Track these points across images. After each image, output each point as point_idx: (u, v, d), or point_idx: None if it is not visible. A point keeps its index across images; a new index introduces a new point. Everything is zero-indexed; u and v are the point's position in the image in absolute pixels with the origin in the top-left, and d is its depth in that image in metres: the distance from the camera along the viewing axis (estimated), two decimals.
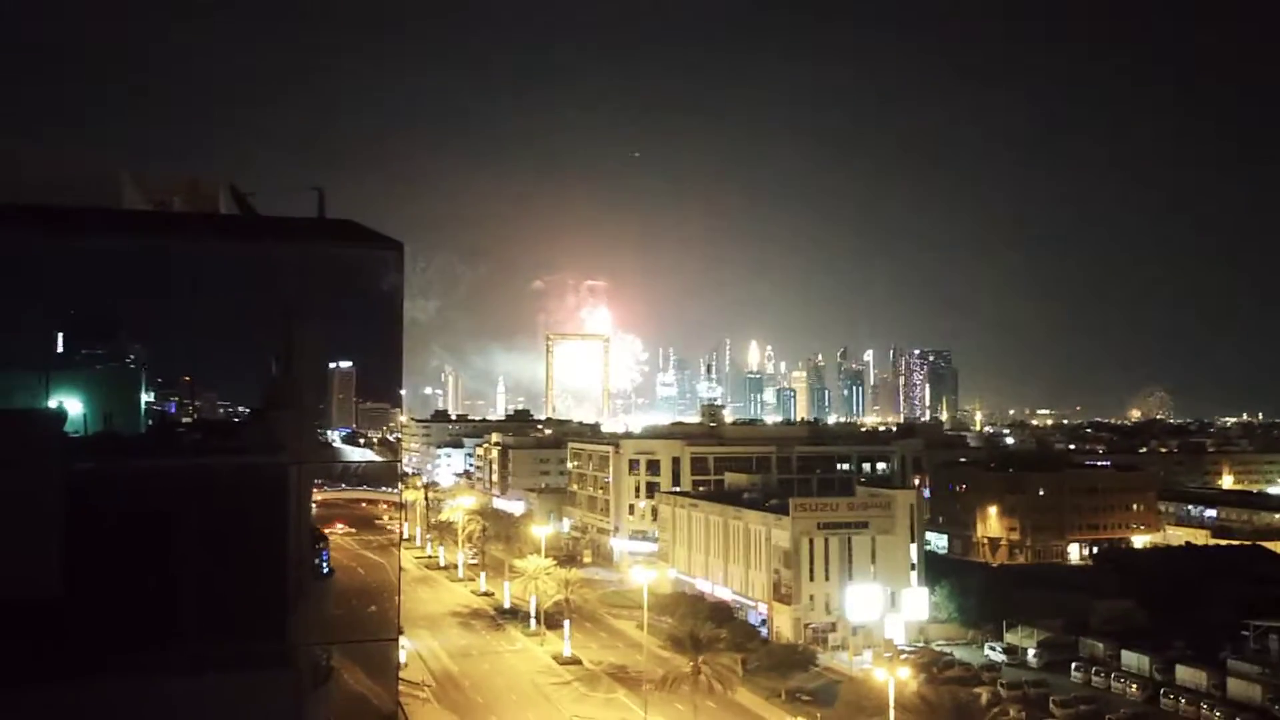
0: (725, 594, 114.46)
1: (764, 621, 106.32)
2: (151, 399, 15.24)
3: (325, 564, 15.66)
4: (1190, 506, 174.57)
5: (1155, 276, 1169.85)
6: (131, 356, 15.31)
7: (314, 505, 15.46)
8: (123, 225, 15.95)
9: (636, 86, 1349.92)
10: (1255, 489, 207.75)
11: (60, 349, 14.68)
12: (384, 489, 17.33)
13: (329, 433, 16.38)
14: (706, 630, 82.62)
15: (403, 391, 17.29)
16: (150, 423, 15.33)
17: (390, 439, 17.47)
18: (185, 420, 15.47)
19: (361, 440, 16.91)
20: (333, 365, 16.07)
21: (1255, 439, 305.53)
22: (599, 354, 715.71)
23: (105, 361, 15.17)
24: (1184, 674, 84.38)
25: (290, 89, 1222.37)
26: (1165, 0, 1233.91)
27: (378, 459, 17.20)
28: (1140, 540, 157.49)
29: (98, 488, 13.86)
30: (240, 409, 16.03)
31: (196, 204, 17.98)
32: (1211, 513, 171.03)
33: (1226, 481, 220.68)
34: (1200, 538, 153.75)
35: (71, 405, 14.36)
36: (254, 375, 15.72)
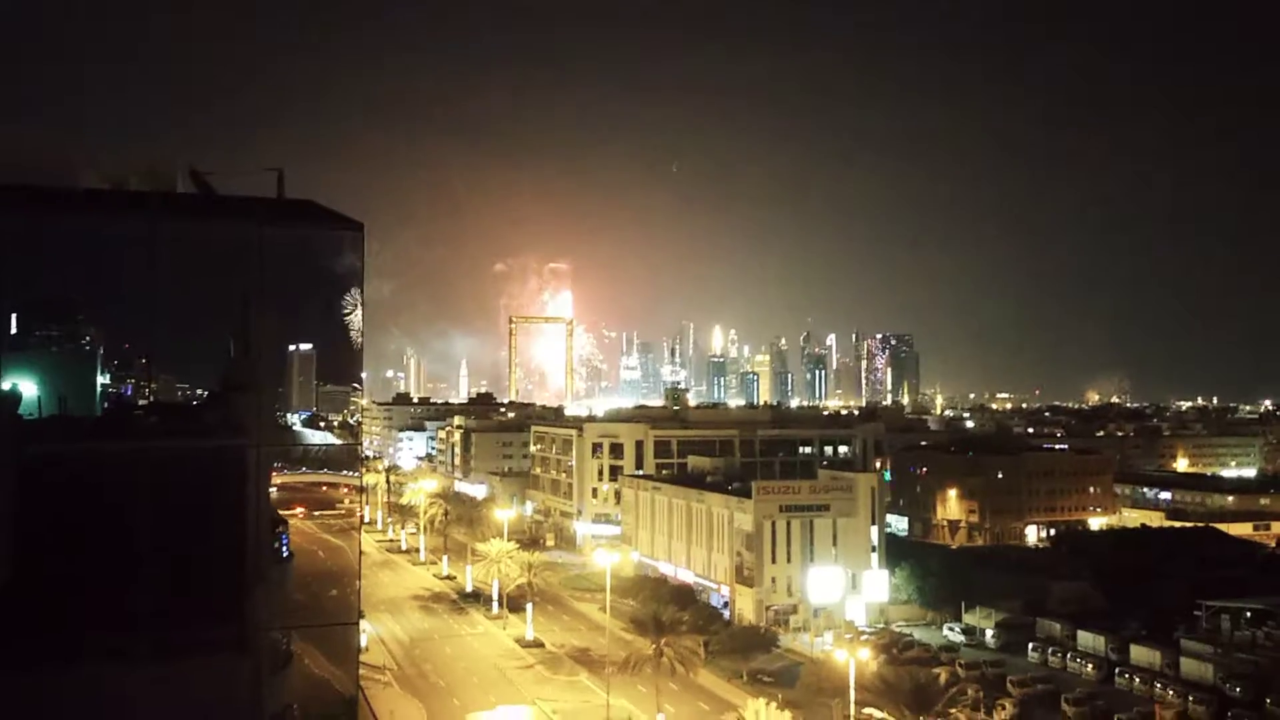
0: (688, 577, 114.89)
1: (726, 604, 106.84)
2: (107, 381, 15.02)
3: (285, 548, 15.53)
4: (1146, 489, 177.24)
5: (1113, 263, 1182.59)
6: (87, 338, 15.07)
7: (274, 489, 15.32)
8: (78, 205, 15.67)
9: (599, 69, 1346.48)
10: (1209, 472, 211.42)
11: (14, 330, 14.42)
12: (344, 472, 17.20)
13: (289, 416, 16.22)
14: (669, 613, 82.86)
15: (364, 374, 17.16)
16: (106, 405, 15.11)
17: (351, 422, 17.32)
18: (141, 403, 15.26)
19: (322, 423, 16.76)
20: (292, 347, 15.90)
21: (1209, 423, 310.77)
22: (562, 337, 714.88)
23: (60, 343, 14.93)
24: (1138, 654, 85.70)
25: (250, 69, 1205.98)
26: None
27: (338, 442, 17.05)
28: (1097, 522, 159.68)
29: (50, 471, 13.66)
30: (198, 391, 15.83)
31: (154, 184, 17.71)
32: (1166, 495, 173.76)
33: (1181, 464, 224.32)
34: (1155, 519, 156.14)
35: (25, 387, 14.12)
36: (212, 357, 15.53)
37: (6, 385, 13.90)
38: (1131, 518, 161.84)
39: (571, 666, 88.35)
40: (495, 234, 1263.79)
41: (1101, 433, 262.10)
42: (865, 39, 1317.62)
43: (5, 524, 13.07)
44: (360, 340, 16.01)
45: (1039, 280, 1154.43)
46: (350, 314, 15.75)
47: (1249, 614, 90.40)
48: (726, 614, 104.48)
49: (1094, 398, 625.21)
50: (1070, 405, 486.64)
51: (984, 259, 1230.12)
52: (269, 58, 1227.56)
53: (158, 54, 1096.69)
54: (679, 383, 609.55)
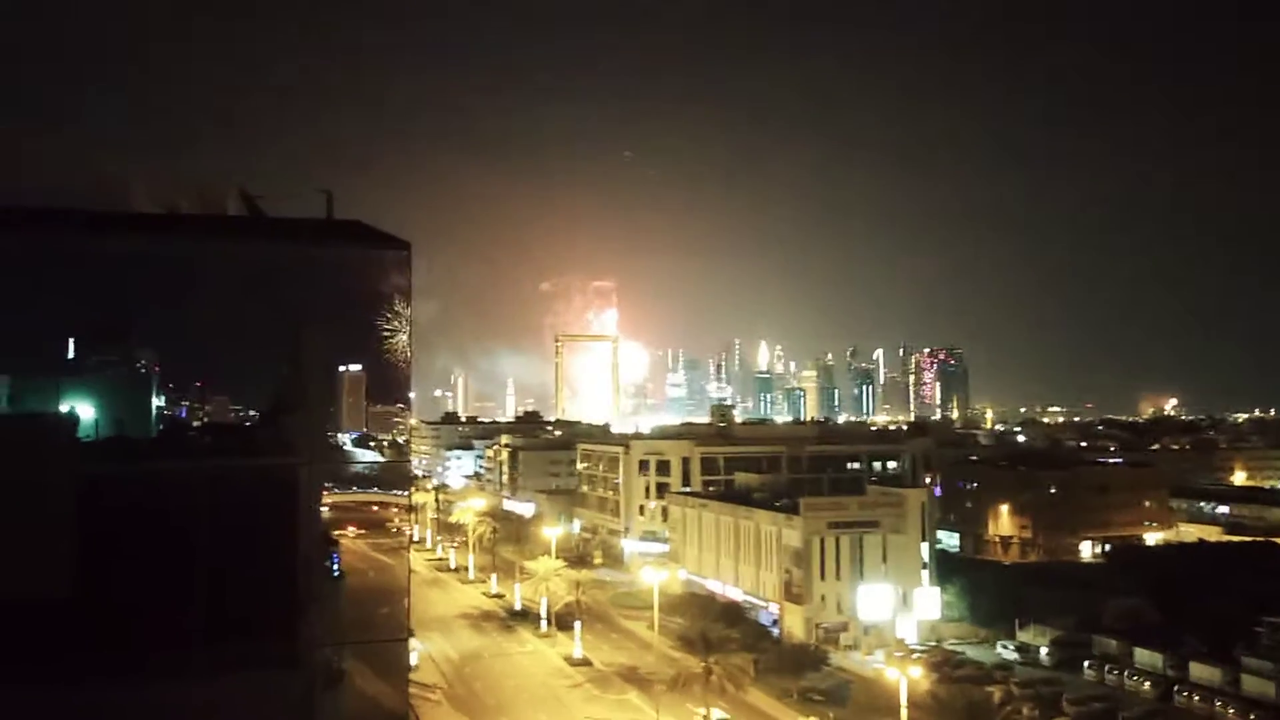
0: (736, 594, 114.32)
1: (775, 621, 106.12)
2: (163, 403, 15.29)
3: (336, 566, 15.71)
4: (1202, 503, 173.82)
5: (1166, 273, 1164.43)
6: (142, 361, 15.36)
7: (325, 508, 15.50)
8: (131, 228, 15.98)
9: (644, 85, 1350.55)
10: (1268, 485, 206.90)
11: (71, 354, 14.73)
12: (394, 491, 17.35)
13: (339, 435, 16.41)
14: (717, 630, 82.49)
15: (412, 394, 17.32)
16: (161, 427, 15.38)
17: (400, 441, 17.48)
18: (196, 424, 15.53)
19: (372, 443, 16.93)
20: (343, 368, 16.09)
21: (1267, 435, 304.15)
22: (608, 355, 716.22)
23: (116, 366, 15.22)
24: (1198, 671, 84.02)
25: (296, 90, 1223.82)
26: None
27: (388, 461, 17.21)
28: (1152, 537, 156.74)
29: (109, 491, 13.91)
30: (251, 412, 16.07)
31: (205, 206, 18.04)
32: (1224, 509, 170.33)
33: (1239, 478, 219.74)
34: (1213, 534, 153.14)
35: (83, 410, 14.41)
36: (265, 378, 15.76)
37: (65, 408, 14.20)
38: (1188, 533, 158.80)
39: (620, 685, 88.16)
40: (540, 253, 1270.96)
41: (1156, 446, 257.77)
42: (912, 48, 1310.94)
43: (67, 542, 13.33)
44: (408, 359, 16.17)
45: (1090, 292, 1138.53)
46: (398, 333, 15.91)
47: None
48: (775, 632, 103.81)
49: (1148, 411, 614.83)
50: (1124, 419, 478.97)
51: (1033, 272, 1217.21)
52: (314, 78, 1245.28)
53: (201, 76, 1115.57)
54: (725, 399, 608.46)
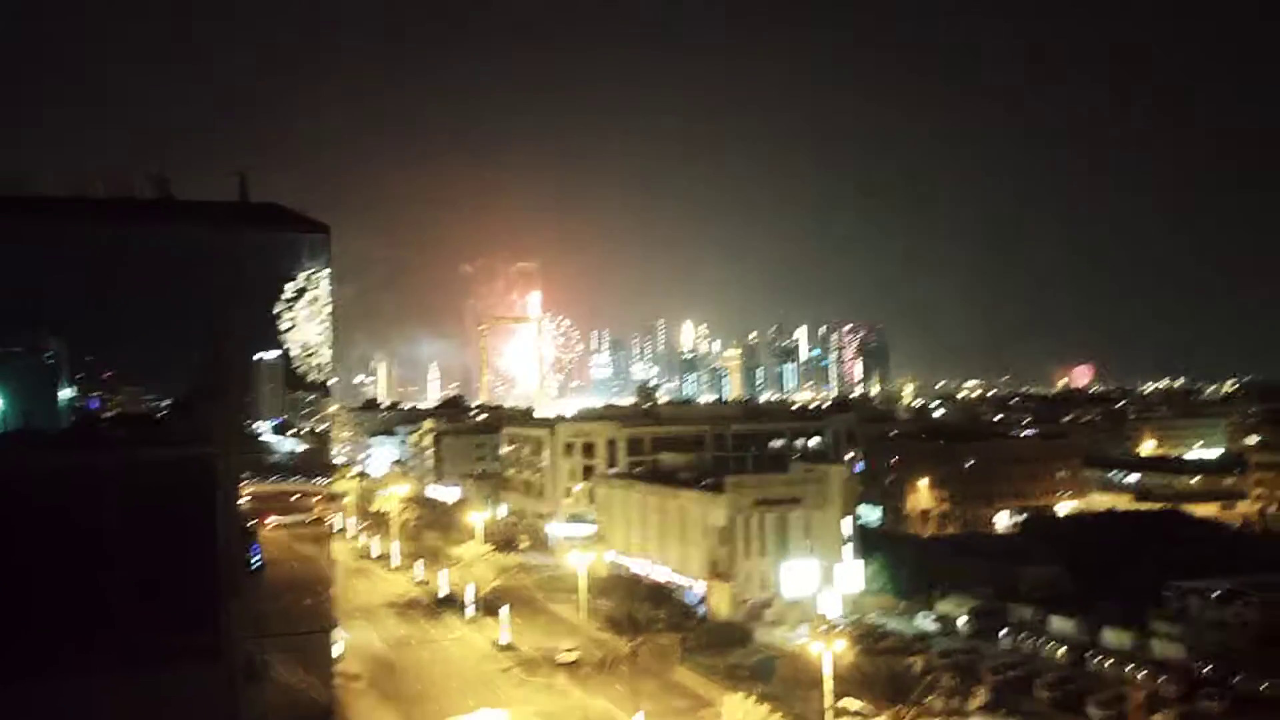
0: (663, 574, 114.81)
1: (701, 600, 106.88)
2: (73, 394, 14.94)
3: (257, 557, 15.50)
4: (1113, 472, 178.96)
5: (1078, 244, 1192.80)
6: (50, 351, 14.98)
7: (244, 498, 15.28)
8: (37, 212, 15.53)
9: (561, 62, 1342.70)
10: (1174, 454, 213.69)
11: None
12: (315, 480, 17.15)
13: (258, 424, 16.15)
14: (644, 611, 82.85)
15: (333, 380, 17.07)
16: (72, 419, 15.03)
17: (320, 429, 17.25)
18: (107, 415, 15.19)
19: (291, 431, 16.68)
20: (260, 355, 15.83)
21: (1175, 405, 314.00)
22: (531, 338, 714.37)
23: (22, 357, 14.82)
24: (1109, 636, 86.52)
25: (206, 70, 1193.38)
26: None
27: (308, 449, 16.99)
28: (1066, 507, 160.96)
29: (17, 486, 13.54)
30: (165, 401, 15.75)
31: (113, 190, 17.62)
32: (1133, 478, 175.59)
33: (1147, 447, 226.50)
34: (1123, 502, 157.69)
35: None
36: (178, 365, 15.46)
37: None
38: (1100, 501, 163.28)
39: (548, 668, 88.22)
40: (462, 235, 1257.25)
41: (1069, 418, 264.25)
42: (826, 37, 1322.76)
43: None
44: (329, 344, 15.95)
45: (1006, 266, 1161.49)
46: (318, 319, 15.68)
47: (1217, 594, 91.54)
48: (702, 610, 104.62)
49: (1061, 383, 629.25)
50: (1038, 392, 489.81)
51: (953, 247, 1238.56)
52: (223, 56, 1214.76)
53: (113, 57, 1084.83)
54: (650, 380, 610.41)
